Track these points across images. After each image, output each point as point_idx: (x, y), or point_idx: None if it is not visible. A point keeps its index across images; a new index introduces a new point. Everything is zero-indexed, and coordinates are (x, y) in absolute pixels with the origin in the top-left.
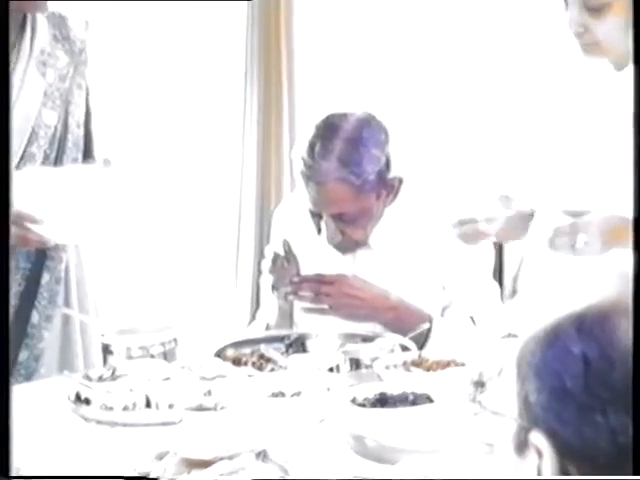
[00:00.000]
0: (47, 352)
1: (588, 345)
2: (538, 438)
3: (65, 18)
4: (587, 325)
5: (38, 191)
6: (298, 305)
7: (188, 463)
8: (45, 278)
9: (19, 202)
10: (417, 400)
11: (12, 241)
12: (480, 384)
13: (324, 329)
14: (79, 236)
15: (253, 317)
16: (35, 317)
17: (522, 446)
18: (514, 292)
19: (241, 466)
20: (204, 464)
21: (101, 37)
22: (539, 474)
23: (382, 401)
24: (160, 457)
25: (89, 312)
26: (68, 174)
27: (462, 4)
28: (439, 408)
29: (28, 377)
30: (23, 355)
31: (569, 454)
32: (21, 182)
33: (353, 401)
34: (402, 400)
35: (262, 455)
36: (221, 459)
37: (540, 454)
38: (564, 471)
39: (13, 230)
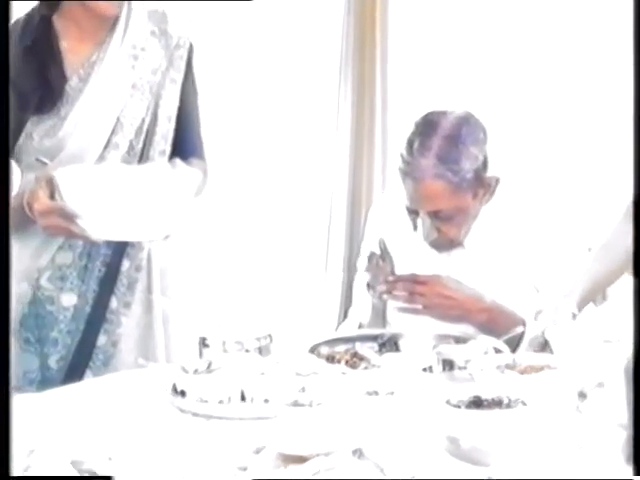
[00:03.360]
0: (125, 338)
1: None
2: None
3: (165, 14)
4: None
5: (83, 187)
6: (392, 304)
7: (285, 458)
8: (125, 265)
9: (65, 197)
10: (511, 403)
11: (55, 232)
12: (583, 395)
13: (417, 329)
14: (128, 232)
15: (345, 315)
16: (114, 303)
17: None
18: (604, 298)
19: (337, 463)
20: (300, 460)
21: (201, 34)
22: (636, 473)
23: (476, 403)
24: (257, 451)
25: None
26: (119, 171)
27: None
28: (533, 412)
29: (106, 362)
30: (101, 340)
31: None
32: (67, 178)
33: (447, 402)
34: (496, 403)
35: (358, 453)
36: (317, 455)
37: None
38: None
39: (57, 221)
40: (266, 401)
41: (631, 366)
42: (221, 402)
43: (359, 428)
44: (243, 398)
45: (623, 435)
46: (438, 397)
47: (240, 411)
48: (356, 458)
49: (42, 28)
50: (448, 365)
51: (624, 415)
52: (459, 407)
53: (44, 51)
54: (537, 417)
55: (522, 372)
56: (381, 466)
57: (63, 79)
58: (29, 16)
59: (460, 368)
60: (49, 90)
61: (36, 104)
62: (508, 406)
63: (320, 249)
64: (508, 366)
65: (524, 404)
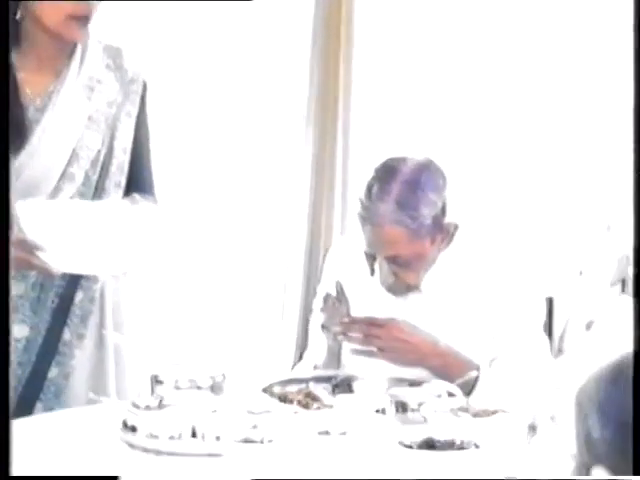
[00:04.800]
0: (77, 371)
1: None
2: (601, 474)
3: (120, 50)
4: None
5: (44, 220)
6: (347, 346)
7: None
8: (79, 296)
9: (26, 230)
10: (464, 445)
11: (16, 264)
12: (533, 428)
13: (372, 372)
14: (88, 265)
15: (300, 357)
16: (67, 335)
17: None
18: (560, 351)
19: None
20: None
21: (156, 69)
22: (636, 473)
23: (429, 444)
24: None
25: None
26: (80, 206)
27: (526, 51)
28: (485, 454)
29: (57, 394)
30: (53, 372)
31: None
32: (28, 211)
33: (400, 443)
34: (449, 445)
35: None
36: None
37: None
38: None
39: (18, 254)
40: (217, 438)
41: (581, 397)
42: (172, 438)
43: (310, 467)
44: (194, 434)
45: (572, 465)
46: (390, 438)
47: (191, 447)
48: None
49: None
50: (401, 407)
51: (573, 446)
52: (411, 448)
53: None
54: (489, 459)
55: (475, 415)
56: None
57: (21, 112)
58: None
59: (413, 410)
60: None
61: None
62: (461, 447)
63: (276, 290)
64: (461, 409)
65: (477, 446)
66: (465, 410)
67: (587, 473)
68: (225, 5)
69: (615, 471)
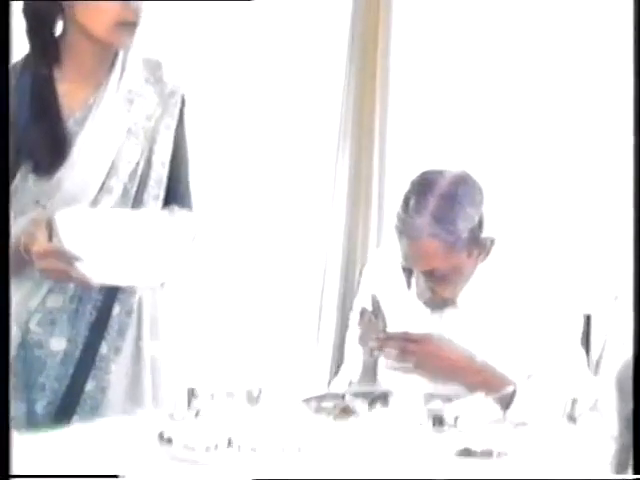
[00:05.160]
0: (113, 384)
1: None
2: None
3: (160, 63)
4: None
5: (83, 230)
6: (382, 362)
7: None
8: (116, 310)
9: (65, 240)
10: (502, 454)
11: (55, 275)
12: (572, 418)
13: (408, 388)
14: (126, 277)
15: (335, 373)
16: (104, 348)
17: (623, 465)
18: (597, 369)
19: None
20: None
21: (196, 83)
22: (636, 472)
23: (467, 453)
24: None
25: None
26: (121, 216)
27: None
28: (523, 462)
29: (94, 408)
30: (90, 385)
31: None
32: (67, 221)
33: (437, 452)
34: (487, 453)
35: None
36: None
37: None
38: None
39: (57, 265)
40: (253, 449)
41: (622, 376)
42: (208, 449)
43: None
44: (230, 445)
45: (613, 447)
46: (428, 448)
47: (227, 458)
48: None
49: (41, 78)
50: (438, 421)
51: (615, 428)
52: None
53: (42, 99)
54: (527, 467)
55: (514, 426)
56: None
57: (60, 125)
58: (25, 64)
59: (450, 424)
60: (49, 149)
61: (35, 162)
62: (499, 456)
63: (314, 306)
64: (499, 422)
65: (514, 455)
66: (502, 422)
67: (628, 455)
68: (263, 21)
69: None
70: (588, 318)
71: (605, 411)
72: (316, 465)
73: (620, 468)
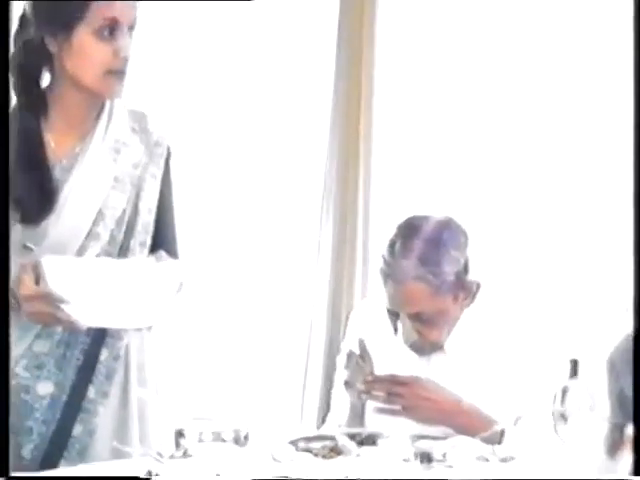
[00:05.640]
0: (101, 428)
1: None
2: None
3: (145, 114)
4: None
5: (70, 276)
6: (370, 405)
7: None
8: (104, 354)
9: (52, 284)
10: None
11: (42, 318)
12: (563, 417)
13: (395, 430)
14: (114, 319)
15: (323, 417)
16: (91, 392)
17: (616, 446)
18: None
19: None
20: None
21: (180, 133)
22: (636, 473)
23: None
24: None
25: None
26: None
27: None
28: None
29: (82, 452)
30: (77, 429)
31: None
32: (55, 266)
33: None
34: None
35: None
36: None
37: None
38: None
39: (44, 308)
40: None
41: (615, 356)
42: None
43: None
44: None
45: (605, 427)
46: None
47: None
48: None
49: (28, 129)
50: (426, 458)
51: (607, 407)
52: None
53: (29, 149)
54: None
55: (502, 460)
56: None
57: (47, 173)
58: (12, 115)
59: (438, 460)
60: (36, 198)
61: (22, 212)
62: None
63: (300, 355)
64: (487, 459)
65: None
66: (491, 458)
67: (621, 433)
68: (245, 71)
69: None
70: (575, 363)
71: (596, 395)
72: None
73: (612, 449)
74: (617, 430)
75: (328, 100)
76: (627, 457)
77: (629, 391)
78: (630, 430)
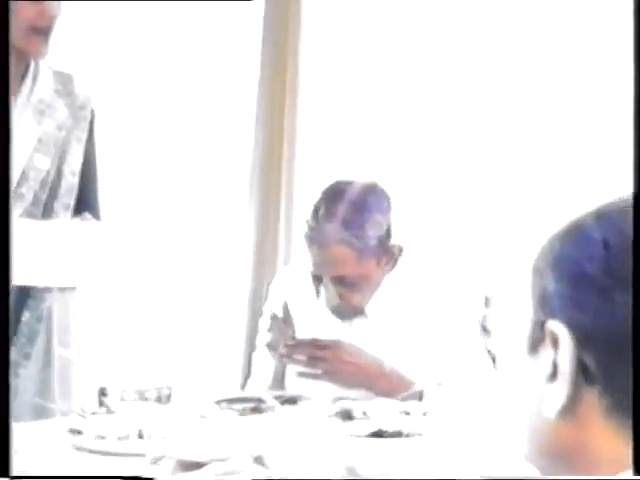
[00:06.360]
0: (23, 389)
1: (607, 230)
2: (555, 325)
3: (71, 77)
4: (606, 213)
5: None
6: (292, 369)
7: (183, 466)
8: (26, 316)
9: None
10: (412, 435)
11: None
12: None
13: (316, 393)
14: (61, 279)
15: (244, 384)
16: (13, 354)
17: (536, 343)
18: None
19: (236, 468)
20: (199, 466)
21: (106, 96)
22: (555, 370)
23: (378, 435)
24: (155, 461)
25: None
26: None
27: (473, 72)
28: (435, 442)
29: None
30: None
31: (586, 341)
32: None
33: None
34: (397, 434)
35: (259, 460)
36: (214, 461)
37: (556, 344)
38: (581, 364)
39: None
40: (164, 438)
41: (538, 259)
42: (120, 439)
43: (258, 440)
44: (141, 436)
45: (528, 327)
46: (339, 433)
47: (138, 448)
48: (257, 465)
49: None
50: (347, 416)
51: (529, 309)
52: (360, 437)
53: None
54: (439, 447)
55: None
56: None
57: None
58: None
59: (359, 418)
60: None
61: None
62: (408, 436)
63: (222, 312)
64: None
65: (426, 436)
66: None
67: (542, 329)
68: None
69: (570, 325)
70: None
71: (519, 297)
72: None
73: (533, 346)
74: (538, 327)
75: (255, 75)
76: (547, 352)
77: (551, 287)
78: (552, 324)
